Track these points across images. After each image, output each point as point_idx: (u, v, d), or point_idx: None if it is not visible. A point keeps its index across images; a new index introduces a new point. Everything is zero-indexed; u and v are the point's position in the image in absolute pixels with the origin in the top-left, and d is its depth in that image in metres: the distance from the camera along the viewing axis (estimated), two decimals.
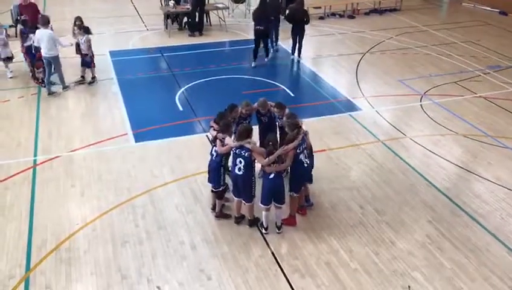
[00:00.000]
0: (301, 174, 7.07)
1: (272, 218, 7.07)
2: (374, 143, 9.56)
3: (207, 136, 9.19)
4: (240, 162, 6.73)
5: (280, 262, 6.58)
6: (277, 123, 7.91)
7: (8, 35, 12.95)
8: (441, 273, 6.44)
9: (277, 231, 7.07)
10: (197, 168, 8.47)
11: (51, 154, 9.00)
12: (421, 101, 11.41)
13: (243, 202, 7.06)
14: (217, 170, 7.09)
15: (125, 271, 6.36)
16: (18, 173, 8.41)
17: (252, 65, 13.46)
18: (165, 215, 7.43)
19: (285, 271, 6.43)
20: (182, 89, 11.92)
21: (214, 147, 7.09)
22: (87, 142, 9.41)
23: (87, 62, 12.19)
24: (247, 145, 6.70)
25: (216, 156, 7.05)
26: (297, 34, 13.73)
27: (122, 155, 9.01)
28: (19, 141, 9.44)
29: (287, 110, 7.67)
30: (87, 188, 8.05)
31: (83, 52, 12.09)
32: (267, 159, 6.66)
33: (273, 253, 6.74)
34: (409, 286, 6.22)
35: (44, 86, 11.54)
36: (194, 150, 9.10)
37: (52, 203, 7.67)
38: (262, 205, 6.91)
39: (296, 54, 13.97)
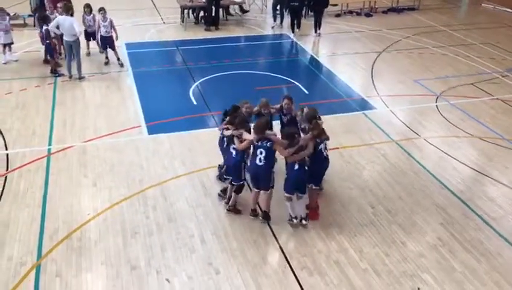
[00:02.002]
0: (321, 164, 7.09)
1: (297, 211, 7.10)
2: (388, 143, 9.48)
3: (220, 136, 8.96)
4: (261, 152, 6.74)
5: (289, 259, 6.56)
6: (283, 119, 7.95)
7: (25, 24, 13.15)
8: (451, 276, 6.37)
9: (303, 222, 7.07)
10: (208, 162, 8.48)
11: (65, 144, 9.07)
12: (436, 102, 11.28)
13: (261, 192, 7.03)
14: (238, 166, 7.08)
15: (134, 262, 6.40)
16: (32, 161, 8.50)
17: (292, 36, 15.59)
18: (176, 208, 7.45)
19: (293, 268, 6.41)
20: (196, 83, 11.93)
21: (232, 145, 7.07)
22: (100, 133, 9.47)
23: (112, 43, 12.44)
24: (271, 137, 6.78)
25: (236, 154, 7.03)
26: (318, 12, 15.69)
27: (135, 147, 9.05)
28: (34, 130, 9.54)
29: (305, 110, 7.60)
30: (100, 178, 8.11)
31: (105, 35, 12.33)
32: (287, 150, 6.71)
33: (282, 250, 6.73)
34: (419, 288, 6.16)
35: (56, 75, 11.81)
36: (206, 144, 9.10)
37: (64, 192, 7.74)
38: (286, 194, 6.93)
39: (317, 31, 15.80)
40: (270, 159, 6.82)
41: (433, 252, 6.77)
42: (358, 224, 7.26)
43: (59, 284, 6.04)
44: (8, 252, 6.48)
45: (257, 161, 6.80)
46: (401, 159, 8.98)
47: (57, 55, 12.21)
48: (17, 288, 5.96)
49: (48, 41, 11.73)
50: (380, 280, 6.27)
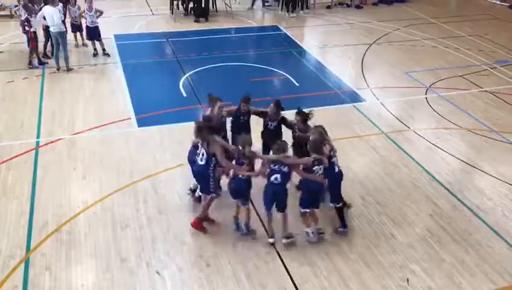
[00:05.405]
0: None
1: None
2: (378, 135, 9.51)
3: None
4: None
5: (279, 251, 6.57)
6: (269, 125, 7.56)
7: (11, 15, 12.97)
8: (440, 267, 6.43)
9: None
10: None
11: (54, 137, 8.99)
12: (426, 94, 11.33)
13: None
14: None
15: (124, 255, 6.37)
16: (21, 154, 8.41)
17: (290, 15, 17.04)
18: (166, 200, 7.42)
19: (284, 260, 6.42)
20: (186, 75, 11.86)
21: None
22: (89, 126, 9.40)
23: (98, 34, 12.34)
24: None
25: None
26: None
27: (125, 139, 8.99)
28: (22, 122, 9.44)
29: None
30: (89, 171, 8.05)
31: (91, 26, 12.24)
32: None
33: (272, 242, 6.73)
34: (408, 279, 6.22)
35: (35, 67, 11.74)
36: None
37: (53, 185, 7.68)
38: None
39: (303, 8, 17.43)
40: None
41: (423, 244, 6.81)
42: (348, 216, 7.28)
43: (48, 277, 6.00)
44: None
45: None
46: (391, 151, 9.01)
47: (36, 45, 11.85)
48: (6, 281, 5.91)
49: (26, 30, 11.56)
50: (369, 271, 6.31)
